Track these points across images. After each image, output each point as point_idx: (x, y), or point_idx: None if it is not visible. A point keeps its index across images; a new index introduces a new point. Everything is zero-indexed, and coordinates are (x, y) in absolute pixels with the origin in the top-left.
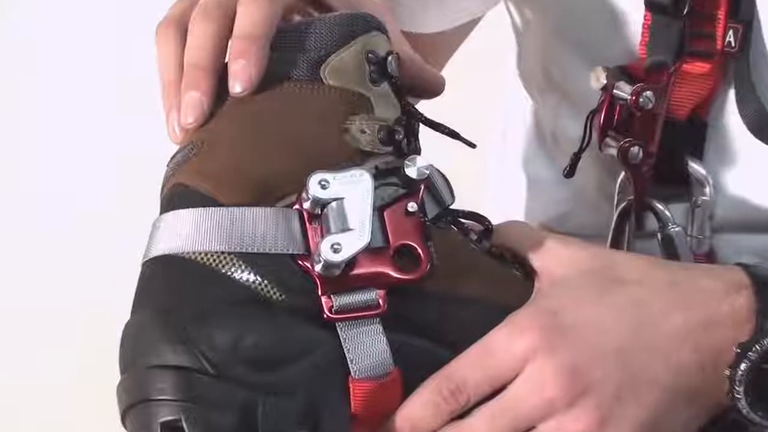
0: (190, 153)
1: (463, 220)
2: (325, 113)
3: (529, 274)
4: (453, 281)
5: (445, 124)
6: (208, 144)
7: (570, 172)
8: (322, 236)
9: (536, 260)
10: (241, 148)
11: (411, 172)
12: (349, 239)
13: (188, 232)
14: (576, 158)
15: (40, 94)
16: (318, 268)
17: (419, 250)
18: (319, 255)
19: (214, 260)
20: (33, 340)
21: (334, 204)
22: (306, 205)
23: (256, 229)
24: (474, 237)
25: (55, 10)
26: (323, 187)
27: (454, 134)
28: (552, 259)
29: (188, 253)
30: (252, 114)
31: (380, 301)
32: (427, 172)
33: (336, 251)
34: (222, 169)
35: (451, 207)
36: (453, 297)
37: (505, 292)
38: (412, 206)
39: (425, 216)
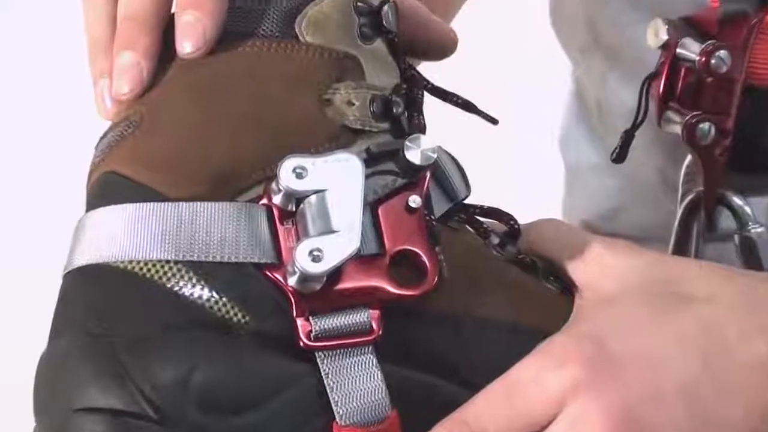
0: (125, 132)
1: (481, 219)
2: (301, 79)
3: (568, 289)
4: (468, 298)
5: (458, 94)
6: (148, 120)
7: (620, 155)
8: (298, 240)
9: (577, 270)
10: (191, 125)
11: (413, 156)
12: (332, 244)
13: (122, 234)
14: (628, 137)
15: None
16: (292, 281)
17: (424, 258)
18: (294, 264)
19: (156, 271)
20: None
21: (313, 198)
22: (277, 199)
23: (212, 231)
24: (495, 240)
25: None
26: (299, 176)
27: (469, 106)
28: (597, 270)
29: (122, 262)
30: (206, 81)
31: (373, 324)
32: (434, 155)
33: (316, 259)
34: (166, 153)
35: (466, 201)
36: (468, 319)
37: (537, 312)
38: (414, 201)
39: (431, 213)
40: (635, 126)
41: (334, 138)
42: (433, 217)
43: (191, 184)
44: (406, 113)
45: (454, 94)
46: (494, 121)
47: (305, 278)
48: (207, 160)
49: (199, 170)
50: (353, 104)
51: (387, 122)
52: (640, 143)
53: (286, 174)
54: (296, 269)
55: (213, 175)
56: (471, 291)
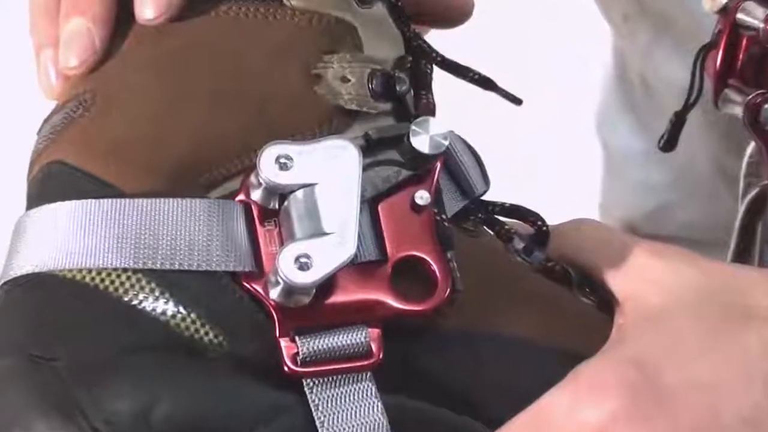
0: (73, 113)
1: (502, 219)
2: (286, 51)
3: (606, 304)
4: (486, 314)
5: (473, 69)
6: (102, 99)
7: (669, 142)
8: (282, 244)
9: (617, 281)
10: (153, 105)
11: (420, 143)
12: (323, 248)
13: (69, 237)
14: (679, 120)
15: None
16: (275, 293)
17: (433, 266)
18: (278, 273)
19: (112, 282)
20: None
21: (300, 193)
22: (256, 194)
23: (178, 233)
24: (520, 245)
25: None
26: (283, 167)
27: (487, 83)
28: (641, 280)
29: (69, 270)
30: (171, 53)
31: (372, 346)
32: (446, 142)
33: (303, 267)
34: (123, 139)
35: (484, 198)
36: (486, 339)
37: (568, 330)
38: (421, 197)
39: (442, 212)
40: (687, 107)
41: (325, 121)
42: (444, 216)
43: (153, 176)
44: (411, 91)
45: (469, 69)
46: (517, 101)
47: (290, 290)
48: (172, 147)
49: (162, 160)
50: (348, 80)
51: (389, 102)
52: (694, 128)
53: (268, 164)
54: (280, 279)
55: (179, 166)
56: (489, 306)
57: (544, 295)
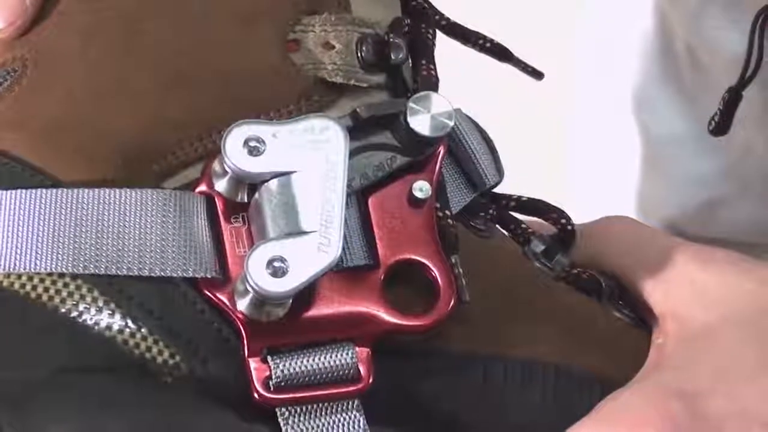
0: (2, 84)
1: (518, 216)
2: (257, 12)
3: (643, 320)
4: (498, 332)
5: (485, 35)
6: (35, 69)
7: (721, 124)
8: (252, 244)
9: (656, 293)
10: (97, 78)
11: (420, 123)
12: (302, 251)
13: None
14: (733, 99)
15: None
16: (243, 305)
17: (435, 273)
18: (247, 280)
19: (46, 289)
20: None
21: (273, 184)
22: (221, 185)
23: (126, 232)
24: (539, 247)
25: None
26: (254, 152)
27: (502, 53)
28: (686, 292)
29: None
30: (120, 15)
31: (361, 369)
32: (451, 123)
33: (277, 273)
34: (60, 117)
35: (497, 191)
36: (497, 361)
37: (598, 351)
38: (421, 189)
39: (446, 208)
40: (743, 82)
41: (304, 96)
42: (448, 212)
43: (96, 163)
44: (409, 61)
45: (479, 35)
46: (538, 75)
47: (262, 300)
48: (120, 129)
49: (107, 144)
50: (332, 47)
51: (382, 74)
52: (751, 108)
53: (235, 148)
54: (249, 287)
55: (128, 151)
56: (501, 321)
57: (567, 309)
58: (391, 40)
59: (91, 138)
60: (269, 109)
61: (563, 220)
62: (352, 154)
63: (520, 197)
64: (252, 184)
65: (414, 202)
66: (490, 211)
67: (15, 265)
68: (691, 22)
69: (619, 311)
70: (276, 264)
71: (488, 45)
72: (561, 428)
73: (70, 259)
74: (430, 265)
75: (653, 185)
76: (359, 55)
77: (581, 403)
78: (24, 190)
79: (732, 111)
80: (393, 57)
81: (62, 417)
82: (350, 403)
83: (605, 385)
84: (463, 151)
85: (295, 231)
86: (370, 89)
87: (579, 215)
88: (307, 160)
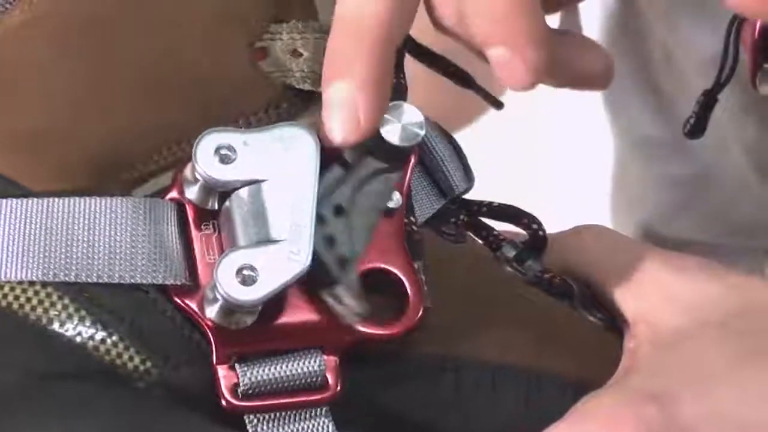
0: None
1: (488, 222)
2: (225, 20)
3: (616, 324)
4: (467, 337)
5: (452, 62)
6: (1, 79)
7: (697, 127)
8: (222, 252)
9: (627, 298)
10: (65, 87)
11: (391, 132)
12: (271, 259)
13: None
14: (708, 102)
15: None
16: (212, 312)
17: (404, 280)
18: (216, 288)
19: (16, 297)
20: None
21: (244, 192)
22: (191, 192)
23: (96, 239)
24: (510, 253)
25: None
26: (224, 160)
27: (465, 80)
28: (657, 298)
29: None
30: (88, 22)
31: (328, 377)
32: (422, 132)
33: (247, 281)
34: (28, 126)
35: (467, 197)
36: (467, 366)
37: (570, 355)
38: (392, 198)
39: (411, 214)
40: (719, 85)
41: (273, 104)
42: (413, 219)
43: (66, 173)
44: None
45: (444, 59)
46: (498, 105)
47: (230, 308)
48: (88, 138)
49: (76, 153)
50: (300, 54)
51: None
52: (726, 111)
53: (206, 156)
54: (218, 295)
55: (98, 161)
56: (472, 326)
57: (539, 313)
58: None
59: (61, 146)
60: (238, 118)
61: (534, 225)
62: (357, 189)
63: (491, 203)
64: (223, 191)
65: (384, 212)
66: (461, 218)
67: None
68: (665, 20)
69: (591, 315)
70: (245, 272)
71: (452, 70)
72: (538, 429)
73: (40, 267)
74: (400, 274)
75: (626, 189)
76: None
77: (554, 407)
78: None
79: (707, 114)
80: None
81: (32, 422)
82: (319, 409)
83: (578, 389)
84: (431, 158)
85: (265, 239)
86: None
87: (553, 217)
88: (277, 168)
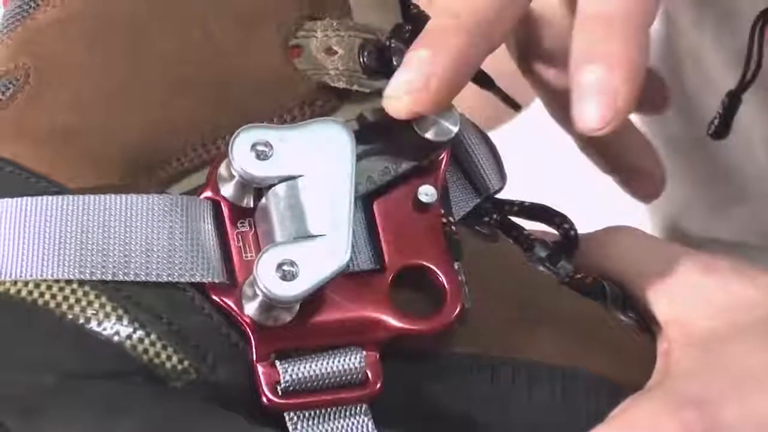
0: (3, 94)
1: (519, 222)
2: (260, 17)
3: (647, 325)
4: (503, 336)
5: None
6: (38, 77)
7: (721, 128)
8: (259, 249)
9: (660, 300)
10: (99, 85)
11: (426, 128)
12: (311, 255)
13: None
14: (731, 103)
15: None
16: (251, 309)
17: (442, 278)
18: (256, 284)
19: (53, 296)
20: None
21: (281, 188)
22: (227, 190)
23: (133, 237)
24: (543, 253)
25: None
26: (261, 156)
27: (485, 80)
28: (691, 300)
29: (1, 282)
30: (122, 21)
31: (369, 373)
32: (456, 128)
33: (287, 277)
34: (64, 125)
35: (500, 196)
36: (503, 365)
37: (606, 355)
38: (427, 193)
39: (450, 214)
40: (743, 86)
41: (308, 101)
42: (452, 219)
43: (101, 170)
44: None
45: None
46: (516, 107)
47: (270, 304)
48: (123, 135)
49: (111, 150)
50: (335, 53)
51: (384, 80)
52: (751, 111)
53: (242, 153)
54: (258, 291)
55: (132, 158)
56: (507, 325)
57: (573, 312)
58: (393, 45)
59: (97, 144)
60: (273, 115)
61: (566, 225)
62: (358, 158)
63: (522, 202)
64: (258, 188)
65: (419, 206)
66: (494, 217)
67: (21, 272)
68: (693, 22)
69: (624, 315)
70: (285, 267)
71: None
72: (569, 431)
73: (77, 265)
74: (437, 270)
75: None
76: (361, 60)
77: (588, 406)
78: (29, 198)
79: (731, 115)
80: (395, 62)
81: (70, 422)
82: (359, 407)
83: (613, 389)
84: (466, 156)
85: (304, 235)
86: (372, 95)
87: (578, 215)
88: (314, 163)
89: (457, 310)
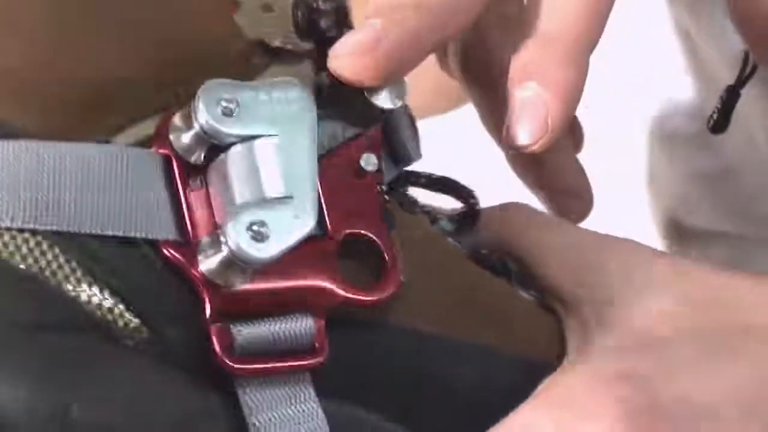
0: None
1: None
2: None
3: (552, 306)
4: (433, 311)
5: None
6: None
7: (720, 122)
8: (210, 208)
9: (570, 281)
10: (47, 24)
11: (377, 96)
12: (281, 217)
13: None
14: (730, 97)
15: None
16: (206, 266)
17: (381, 248)
18: (226, 242)
19: (5, 245)
20: None
21: (243, 147)
22: (180, 141)
23: (87, 188)
24: (448, 227)
25: None
26: (226, 112)
27: None
28: (600, 280)
29: None
30: None
31: (315, 341)
32: (406, 95)
33: (258, 238)
34: (11, 65)
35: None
36: (435, 339)
37: (518, 334)
38: (368, 161)
39: (382, 182)
40: (742, 80)
41: (244, 58)
42: (383, 188)
43: (49, 114)
44: (337, 30)
45: None
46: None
47: (229, 265)
48: (72, 79)
49: (61, 93)
50: (272, 10)
51: (310, 41)
52: (751, 105)
53: (210, 107)
54: (225, 250)
55: (82, 103)
56: (436, 300)
57: (486, 289)
58: (320, 6)
59: (44, 87)
60: (219, 73)
61: (472, 200)
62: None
63: (430, 175)
64: (213, 146)
65: (361, 175)
66: (406, 188)
67: None
68: (690, 14)
69: (526, 292)
70: (255, 228)
71: None
72: (502, 411)
73: (30, 214)
74: (378, 240)
75: (654, 177)
76: (295, 20)
77: (515, 386)
78: None
79: (730, 109)
80: (323, 24)
81: (22, 383)
82: (304, 375)
83: (534, 368)
84: (391, 126)
85: (266, 197)
86: (300, 56)
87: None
88: (277, 124)
89: (399, 281)
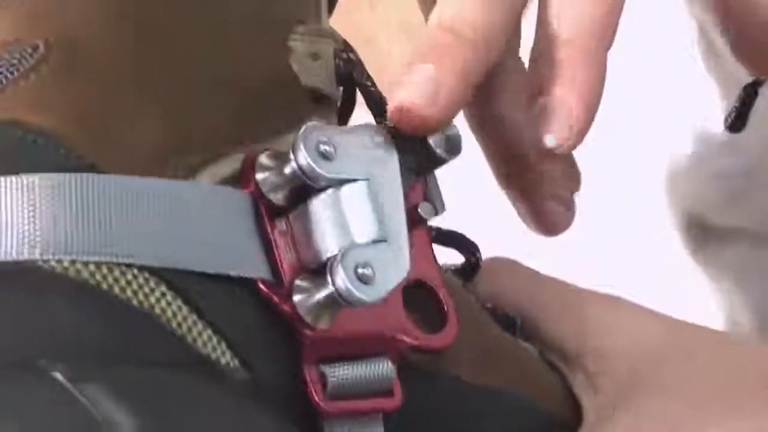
0: (22, 60)
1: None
2: (264, 17)
3: (552, 361)
4: (476, 362)
5: None
6: (60, 53)
7: (737, 121)
8: (296, 250)
9: (571, 335)
10: (125, 67)
11: (437, 143)
12: (384, 259)
13: (55, 220)
14: (748, 97)
15: None
16: (303, 303)
17: (441, 295)
18: (335, 285)
19: (116, 280)
20: None
21: (337, 190)
22: (266, 180)
23: (188, 225)
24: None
25: None
26: (326, 155)
27: None
28: (604, 334)
29: (57, 260)
30: (148, 6)
31: (392, 384)
32: (461, 144)
33: (364, 279)
34: (93, 104)
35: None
36: (480, 391)
37: (543, 387)
38: (426, 210)
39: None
40: (759, 80)
41: (297, 104)
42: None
43: (131, 155)
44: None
45: None
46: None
47: (326, 306)
48: (148, 122)
49: (138, 135)
50: (318, 58)
51: (342, 89)
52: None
53: (310, 149)
54: (335, 293)
55: (157, 144)
56: (469, 350)
57: (508, 344)
58: (351, 56)
59: (124, 128)
60: (288, 121)
61: (475, 256)
62: None
63: (439, 228)
64: (295, 188)
65: (419, 222)
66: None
67: (81, 251)
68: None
69: (531, 347)
70: (360, 270)
71: None
72: None
73: (142, 250)
74: (436, 288)
75: (678, 177)
76: (336, 69)
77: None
78: (88, 175)
79: (747, 108)
80: (356, 74)
81: (129, 412)
82: (377, 415)
83: (551, 420)
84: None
85: (357, 241)
86: (333, 105)
87: (606, 207)
88: (368, 169)
89: (456, 328)
